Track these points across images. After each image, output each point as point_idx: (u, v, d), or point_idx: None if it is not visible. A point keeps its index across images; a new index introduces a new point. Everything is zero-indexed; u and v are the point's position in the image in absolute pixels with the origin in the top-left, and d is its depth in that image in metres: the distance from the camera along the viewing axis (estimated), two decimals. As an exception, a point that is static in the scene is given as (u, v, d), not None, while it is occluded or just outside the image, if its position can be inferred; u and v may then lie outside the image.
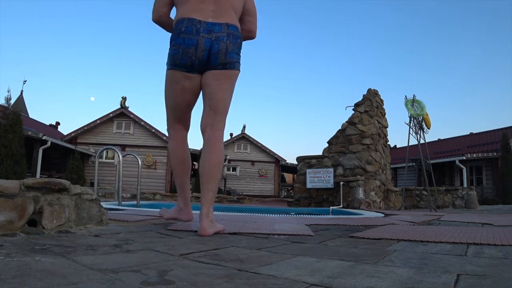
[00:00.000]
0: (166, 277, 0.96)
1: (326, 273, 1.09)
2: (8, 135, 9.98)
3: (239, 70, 2.08)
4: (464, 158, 15.45)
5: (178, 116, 2.18)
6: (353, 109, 9.16)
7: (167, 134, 2.37)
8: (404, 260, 1.34)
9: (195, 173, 20.33)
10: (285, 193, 23.46)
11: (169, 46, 2.02)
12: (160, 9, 2.11)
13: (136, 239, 1.69)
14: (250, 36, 2.27)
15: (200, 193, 2.17)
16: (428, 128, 8.08)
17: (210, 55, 1.94)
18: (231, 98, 2.12)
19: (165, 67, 2.09)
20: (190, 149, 2.42)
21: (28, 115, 22.15)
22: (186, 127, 2.26)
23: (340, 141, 9.01)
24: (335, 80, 63.38)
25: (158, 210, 4.09)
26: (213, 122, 2.02)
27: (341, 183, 8.03)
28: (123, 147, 16.75)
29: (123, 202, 4.86)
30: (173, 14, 2.20)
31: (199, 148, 17.19)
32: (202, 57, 1.93)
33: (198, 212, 2.05)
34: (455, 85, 58.14)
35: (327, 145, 9.32)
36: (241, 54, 2.08)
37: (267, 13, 53.49)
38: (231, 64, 2.00)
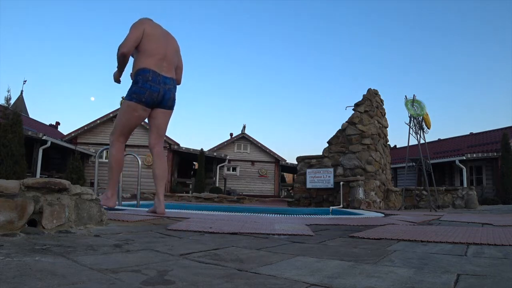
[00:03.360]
0: (166, 277, 0.96)
1: (326, 273, 1.09)
2: (8, 135, 9.96)
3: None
4: (464, 158, 15.43)
5: (126, 133, 2.95)
6: (353, 109, 9.16)
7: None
8: (404, 260, 1.34)
9: (194, 173, 20.31)
10: (285, 193, 23.43)
11: (134, 84, 2.78)
12: (131, 49, 2.78)
13: (136, 239, 1.69)
14: (177, 83, 3.14)
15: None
16: (428, 128, 8.06)
17: (163, 99, 2.88)
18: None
19: (128, 97, 2.85)
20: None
21: (28, 115, 22.13)
22: (127, 140, 3.01)
23: (340, 141, 9.01)
24: (336, 80, 63.38)
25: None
26: (159, 142, 3.02)
27: (341, 183, 8.03)
28: (123, 147, 16.74)
29: (123, 202, 4.86)
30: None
31: (199, 148, 17.22)
32: (158, 100, 2.85)
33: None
34: (455, 85, 58.15)
35: (327, 145, 9.32)
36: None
37: (267, 12, 53.50)
38: (173, 106, 3.02)
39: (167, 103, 2.93)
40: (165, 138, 18.24)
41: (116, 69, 2.98)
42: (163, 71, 2.84)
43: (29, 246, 1.31)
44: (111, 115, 17.55)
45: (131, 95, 2.78)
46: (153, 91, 2.76)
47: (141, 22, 2.83)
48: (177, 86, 3.16)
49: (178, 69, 3.12)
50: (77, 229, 1.81)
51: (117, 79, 3.04)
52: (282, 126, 74.40)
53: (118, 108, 17.51)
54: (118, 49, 2.80)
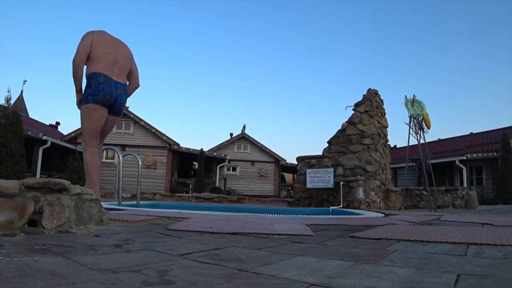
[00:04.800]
0: (166, 277, 0.96)
1: (326, 273, 1.09)
2: (8, 135, 9.94)
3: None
4: (464, 158, 15.42)
5: (95, 136, 3.04)
6: (353, 109, 9.15)
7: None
8: (404, 260, 1.34)
9: (194, 173, 20.31)
10: (285, 193, 23.41)
11: (87, 88, 2.94)
12: (82, 58, 2.92)
13: (136, 239, 1.69)
14: (137, 86, 3.38)
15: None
16: (428, 128, 8.06)
17: (115, 103, 3.05)
18: None
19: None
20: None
21: (28, 115, 22.10)
22: (97, 144, 3.12)
23: (340, 141, 9.00)
24: (336, 80, 63.39)
25: (158, 210, 4.14)
26: (101, 144, 3.23)
27: (341, 183, 8.03)
28: (123, 147, 16.71)
29: (123, 202, 4.86)
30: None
31: (199, 148, 17.21)
32: (111, 103, 3.01)
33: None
34: (456, 85, 58.16)
35: (327, 145, 9.32)
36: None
37: (268, 13, 53.48)
38: (121, 112, 3.24)
39: (118, 108, 3.12)
40: (165, 138, 18.04)
41: (75, 91, 3.05)
42: (114, 75, 3.01)
43: (29, 246, 1.31)
44: (111, 115, 17.53)
45: (87, 98, 2.93)
46: (106, 93, 2.94)
47: (89, 33, 3.02)
48: (139, 88, 3.43)
49: (134, 72, 3.32)
50: (77, 229, 1.81)
51: (79, 103, 3.09)
52: (282, 126, 74.43)
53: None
54: (72, 63, 2.94)
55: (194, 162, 21.38)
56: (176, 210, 4.74)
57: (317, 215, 5.21)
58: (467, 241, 1.89)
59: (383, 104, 9.88)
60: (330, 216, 4.91)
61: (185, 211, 4.56)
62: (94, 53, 2.94)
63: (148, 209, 4.27)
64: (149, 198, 10.67)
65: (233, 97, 69.87)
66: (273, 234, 2.10)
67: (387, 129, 9.93)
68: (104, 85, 2.91)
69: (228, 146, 23.03)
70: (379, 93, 9.71)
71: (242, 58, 62.52)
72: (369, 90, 9.40)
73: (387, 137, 9.91)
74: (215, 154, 18.18)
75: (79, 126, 16.63)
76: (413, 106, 7.89)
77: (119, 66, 3.06)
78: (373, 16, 55.17)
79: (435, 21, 52.22)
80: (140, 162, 5.20)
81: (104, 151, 16.81)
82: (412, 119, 7.98)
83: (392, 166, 13.49)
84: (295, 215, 4.83)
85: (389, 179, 10.01)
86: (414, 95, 8.00)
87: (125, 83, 3.15)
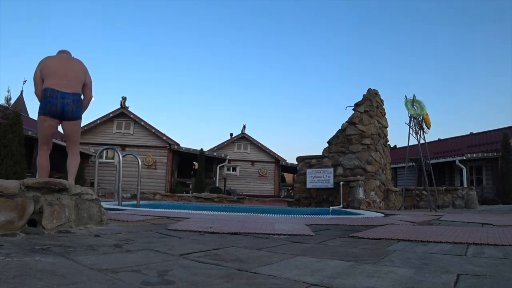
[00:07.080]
0: (166, 277, 0.96)
1: (326, 273, 1.09)
2: (8, 135, 9.94)
3: (80, 118, 3.60)
4: (464, 158, 15.41)
5: (46, 141, 3.54)
6: (353, 109, 9.16)
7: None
8: (404, 260, 1.34)
9: (194, 173, 20.32)
10: (285, 193, 23.42)
11: (40, 102, 3.39)
12: (38, 87, 3.43)
13: (136, 239, 1.69)
14: (90, 98, 3.70)
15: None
16: (428, 128, 8.07)
17: (63, 112, 3.40)
18: (80, 132, 3.71)
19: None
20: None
21: (28, 115, 22.09)
22: (50, 148, 3.60)
23: (340, 141, 9.01)
24: (336, 80, 63.42)
25: (158, 210, 4.17)
26: (72, 146, 3.64)
27: (341, 183, 8.03)
28: (123, 147, 16.72)
29: (123, 202, 4.86)
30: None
31: (199, 148, 17.22)
32: (58, 112, 3.39)
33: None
34: (456, 85, 58.20)
35: (327, 145, 9.32)
36: (81, 110, 3.60)
37: (269, 12, 53.51)
38: (75, 117, 3.51)
39: (67, 115, 3.48)
40: (165, 138, 18.04)
41: None
42: (63, 88, 3.40)
43: (29, 246, 1.31)
44: (111, 115, 17.54)
45: (39, 110, 3.42)
46: (51, 105, 3.36)
47: (38, 65, 3.51)
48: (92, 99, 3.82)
49: (87, 85, 3.68)
50: (77, 229, 1.81)
51: None
52: (282, 126, 74.42)
53: (118, 108, 17.67)
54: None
55: (194, 162, 21.39)
56: (176, 210, 4.74)
57: (317, 215, 5.21)
58: (467, 241, 1.89)
59: (383, 104, 9.88)
60: (330, 216, 4.91)
61: (185, 211, 4.56)
62: (45, 74, 3.44)
63: (148, 209, 4.27)
64: (149, 198, 10.66)
65: (233, 97, 69.89)
66: (273, 234, 2.10)
67: (387, 129, 9.93)
68: (50, 98, 3.35)
69: (228, 146, 23.04)
70: (379, 93, 9.72)
71: (243, 58, 62.56)
72: (369, 90, 9.40)
73: (387, 137, 9.91)
74: (215, 154, 18.18)
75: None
76: (413, 106, 7.90)
77: (68, 79, 3.45)
78: (373, 16, 55.20)
79: (435, 21, 52.27)
80: (140, 162, 5.20)
81: (104, 151, 16.85)
82: (412, 119, 7.98)
83: (392, 166, 13.49)
84: (295, 215, 4.83)
85: (389, 179, 10.01)
86: (414, 95, 8.01)
87: (76, 92, 3.51)
